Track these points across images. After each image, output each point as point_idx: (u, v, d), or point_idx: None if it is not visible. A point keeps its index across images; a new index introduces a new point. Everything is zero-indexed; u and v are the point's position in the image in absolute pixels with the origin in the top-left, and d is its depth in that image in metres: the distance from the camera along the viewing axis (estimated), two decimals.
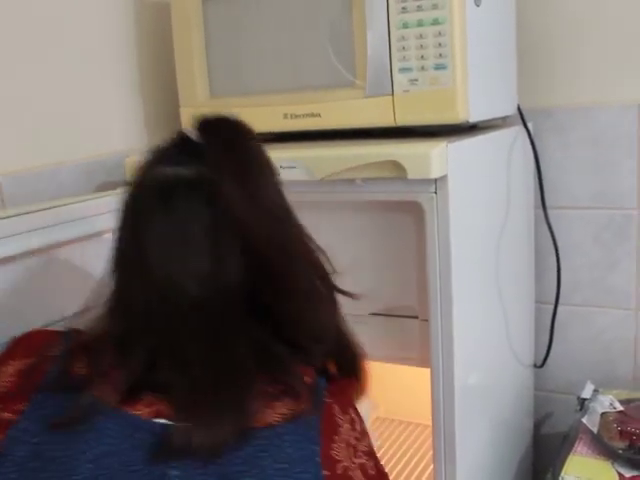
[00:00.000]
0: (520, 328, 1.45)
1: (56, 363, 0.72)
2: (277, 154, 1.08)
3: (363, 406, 1.47)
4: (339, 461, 0.70)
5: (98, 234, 1.18)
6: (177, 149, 0.77)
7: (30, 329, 0.82)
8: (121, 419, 0.67)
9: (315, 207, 1.24)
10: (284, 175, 1.07)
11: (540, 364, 1.49)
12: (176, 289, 0.70)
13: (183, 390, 0.69)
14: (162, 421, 0.68)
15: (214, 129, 0.79)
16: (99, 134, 1.31)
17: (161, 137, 1.37)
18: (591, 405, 1.30)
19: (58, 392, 0.70)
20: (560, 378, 1.54)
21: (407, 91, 1.08)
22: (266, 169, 0.81)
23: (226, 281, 0.71)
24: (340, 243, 1.25)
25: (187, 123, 1.27)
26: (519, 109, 1.32)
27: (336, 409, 0.74)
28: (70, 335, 0.77)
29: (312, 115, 1.16)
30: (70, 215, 1.11)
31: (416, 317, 1.19)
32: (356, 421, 0.75)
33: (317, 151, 1.09)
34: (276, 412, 0.69)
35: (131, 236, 0.74)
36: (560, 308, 1.46)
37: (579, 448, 1.23)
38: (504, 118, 1.32)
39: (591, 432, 1.24)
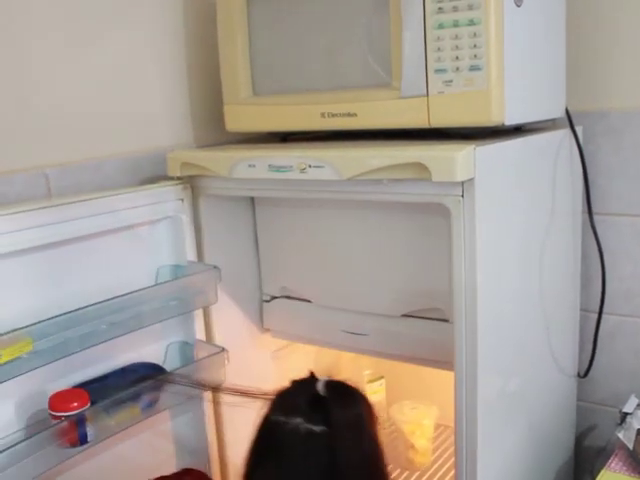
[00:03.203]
0: (563, 336, 1.41)
1: None
2: (306, 153, 1.11)
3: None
4: None
5: (137, 226, 1.23)
6: (309, 404, 0.95)
7: None
8: None
9: (344, 206, 1.25)
10: (313, 174, 1.09)
11: (584, 374, 1.45)
12: None
13: None
14: None
15: (340, 395, 0.97)
16: (145, 129, 1.35)
17: (204, 133, 1.43)
18: (630, 420, 1.25)
19: None
20: (605, 390, 1.49)
21: (442, 92, 1.07)
22: (374, 428, 0.99)
23: None
24: (371, 243, 1.26)
25: (231, 119, 1.32)
26: (567, 112, 1.28)
27: None
28: None
29: (349, 115, 1.17)
30: (111, 207, 1.16)
31: (447, 320, 1.18)
32: None
33: (344, 151, 1.09)
34: None
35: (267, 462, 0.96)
36: (608, 318, 1.42)
37: (613, 464, 1.19)
38: (553, 121, 1.29)
39: (627, 448, 1.20)
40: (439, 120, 1.09)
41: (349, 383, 1.01)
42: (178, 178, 1.27)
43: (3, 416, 1.07)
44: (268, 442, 0.97)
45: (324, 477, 0.93)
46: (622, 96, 1.38)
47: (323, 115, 1.20)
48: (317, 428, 0.93)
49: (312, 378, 1.02)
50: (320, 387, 0.97)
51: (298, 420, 0.93)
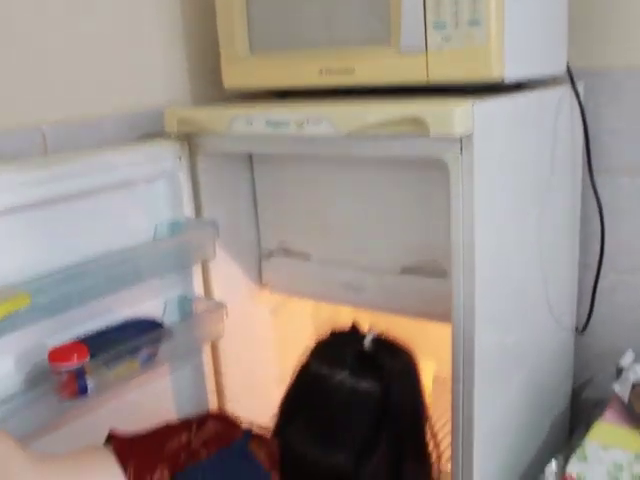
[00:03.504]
0: (561, 291, 1.42)
1: (243, 439, 0.95)
2: (304, 109, 1.10)
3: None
4: None
5: (135, 183, 1.22)
6: (355, 358, 0.95)
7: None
8: None
9: (343, 162, 1.25)
10: (310, 130, 1.08)
11: (582, 329, 1.46)
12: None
13: None
14: None
15: (389, 351, 0.98)
16: (142, 87, 1.34)
17: (202, 91, 1.41)
18: (626, 374, 1.27)
19: (239, 455, 0.93)
20: (603, 344, 1.51)
21: (441, 48, 1.06)
22: (419, 385, 1.00)
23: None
24: (369, 199, 1.26)
25: (228, 76, 1.30)
26: (568, 68, 1.27)
27: None
28: (250, 429, 0.99)
29: (346, 71, 1.16)
30: (108, 164, 1.15)
31: (445, 274, 1.18)
32: None
33: (342, 107, 1.08)
34: None
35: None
36: (607, 273, 1.43)
37: (608, 416, 1.21)
38: (554, 77, 1.27)
39: (622, 401, 1.21)
40: (438, 76, 1.07)
41: (396, 339, 1.01)
42: (176, 135, 1.26)
43: (3, 370, 1.08)
44: (309, 394, 0.98)
45: (370, 429, 0.93)
46: (625, 52, 1.36)
47: (321, 72, 1.18)
48: (364, 384, 0.93)
49: (357, 331, 1.02)
50: (367, 343, 0.97)
51: (344, 374, 0.94)
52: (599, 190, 1.34)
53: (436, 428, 1.50)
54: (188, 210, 1.29)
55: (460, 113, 0.96)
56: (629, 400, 1.21)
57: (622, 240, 1.43)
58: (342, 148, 1.09)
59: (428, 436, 1.03)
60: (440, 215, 1.13)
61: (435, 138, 0.98)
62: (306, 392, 0.99)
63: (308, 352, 1.01)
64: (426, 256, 1.23)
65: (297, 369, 1.01)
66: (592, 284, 1.42)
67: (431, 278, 1.22)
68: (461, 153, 0.99)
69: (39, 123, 1.18)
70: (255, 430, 1.00)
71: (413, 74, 1.09)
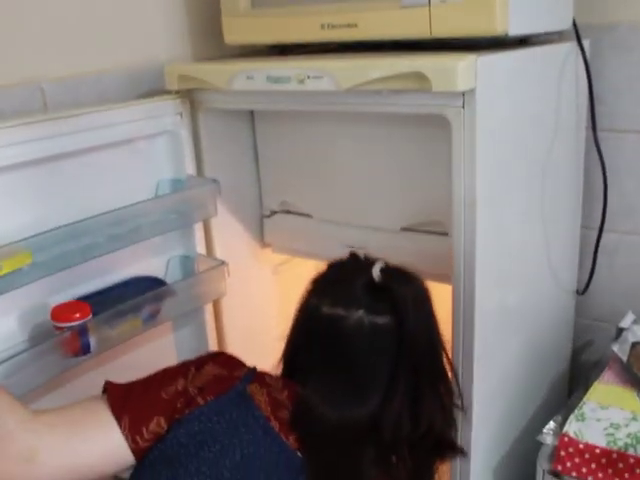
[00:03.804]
0: (563, 252, 1.42)
1: (243, 382, 0.91)
2: (305, 64, 1.09)
3: None
4: None
5: (136, 140, 1.22)
6: (368, 293, 0.90)
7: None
8: (275, 439, 0.86)
9: (344, 120, 1.24)
10: (311, 85, 1.07)
11: (582, 291, 1.46)
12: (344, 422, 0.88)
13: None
14: (300, 455, 0.87)
15: (400, 279, 0.92)
16: (142, 43, 1.32)
17: (202, 46, 1.40)
18: (626, 334, 1.27)
19: (239, 402, 0.89)
20: (603, 306, 1.51)
21: (444, 1, 1.04)
22: (434, 312, 0.95)
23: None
24: (370, 157, 1.25)
25: (229, 32, 1.29)
26: (574, 23, 1.25)
27: None
28: (254, 369, 0.95)
29: (349, 26, 1.14)
30: (109, 121, 1.15)
31: (446, 233, 1.18)
32: None
33: (344, 62, 1.07)
34: None
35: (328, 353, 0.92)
36: (608, 234, 1.42)
37: (606, 376, 1.22)
38: (559, 33, 1.25)
39: (620, 361, 1.22)
40: (441, 30, 1.06)
41: (404, 266, 0.95)
42: (176, 92, 1.25)
43: (7, 327, 1.09)
44: (324, 339, 0.92)
45: (391, 367, 0.89)
46: (633, 8, 1.33)
47: (323, 27, 1.17)
48: (381, 319, 0.88)
49: (360, 262, 0.96)
50: (376, 274, 0.91)
51: (360, 313, 0.88)
52: (602, 149, 1.33)
53: None
54: (190, 168, 1.28)
55: (463, 68, 0.95)
56: (628, 360, 1.21)
57: (624, 201, 1.43)
58: (343, 104, 1.09)
59: (447, 367, 0.97)
60: (443, 174, 1.12)
61: (437, 93, 0.97)
62: (319, 337, 0.92)
63: (311, 291, 0.95)
64: (428, 216, 1.22)
65: (302, 312, 0.95)
66: (594, 245, 1.41)
67: (433, 236, 1.22)
68: (463, 108, 0.99)
69: (39, 80, 1.17)
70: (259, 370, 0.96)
71: (416, 28, 1.07)
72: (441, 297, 1.19)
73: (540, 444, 1.14)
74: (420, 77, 0.97)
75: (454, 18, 1.04)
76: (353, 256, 0.98)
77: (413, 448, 0.91)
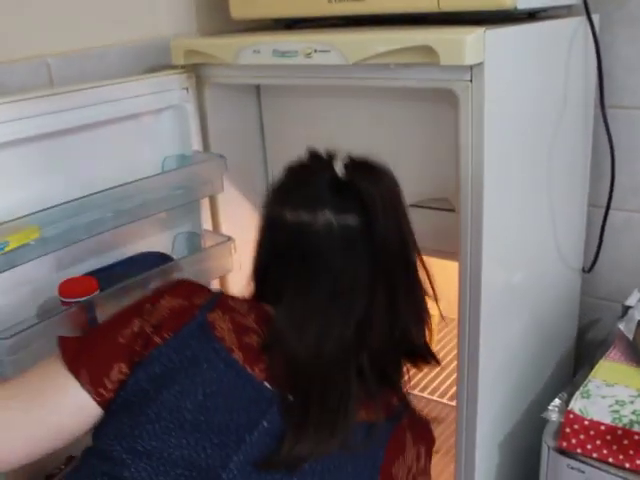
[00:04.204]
0: (570, 230, 1.41)
1: (202, 312, 0.85)
2: (311, 38, 1.08)
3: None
4: (395, 478, 0.83)
5: (142, 115, 1.21)
6: (333, 191, 0.83)
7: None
8: (239, 372, 0.81)
9: (351, 95, 1.23)
10: (318, 59, 1.06)
11: (588, 269, 1.46)
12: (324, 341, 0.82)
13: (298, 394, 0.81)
14: (269, 387, 0.81)
15: (366, 173, 0.86)
16: (148, 18, 1.31)
17: (208, 21, 1.39)
18: (632, 312, 1.27)
19: (199, 335, 0.83)
20: (610, 285, 1.51)
21: None
22: (403, 202, 0.89)
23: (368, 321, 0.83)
24: (377, 133, 1.24)
25: (236, 6, 1.28)
26: None
27: (407, 436, 0.86)
28: (217, 294, 0.90)
29: None
30: (115, 95, 1.14)
31: (453, 210, 1.18)
32: (422, 457, 0.87)
33: (351, 35, 1.06)
34: (360, 416, 0.82)
35: (300, 263, 0.84)
36: (615, 213, 1.42)
37: (612, 354, 1.22)
38: (568, 7, 1.24)
39: (626, 339, 1.22)
40: (449, 3, 1.05)
41: (370, 158, 0.88)
42: (182, 67, 1.25)
43: (15, 302, 1.09)
44: (292, 249, 0.84)
45: (366, 272, 0.82)
46: None
47: (330, 0, 1.16)
48: (351, 219, 0.81)
49: (321, 159, 0.87)
50: (340, 168, 0.84)
51: (327, 214, 0.81)
52: (611, 126, 1.31)
53: (443, 365, 1.53)
54: (196, 143, 1.28)
55: (471, 41, 0.94)
56: (634, 338, 1.21)
57: (633, 179, 1.42)
58: (351, 78, 1.08)
59: (421, 273, 0.91)
60: (450, 150, 1.12)
61: (445, 67, 0.96)
62: (287, 248, 0.84)
63: (271, 200, 0.87)
64: (435, 193, 1.22)
65: (265, 225, 0.88)
66: (600, 224, 1.41)
67: (440, 213, 1.21)
68: (471, 82, 0.98)
69: (44, 55, 1.17)
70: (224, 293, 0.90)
71: (424, 2, 1.06)
72: (448, 274, 1.20)
73: (545, 421, 1.14)
74: (428, 50, 0.96)
75: None
76: (312, 154, 0.88)
77: (385, 354, 0.87)
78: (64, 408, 0.80)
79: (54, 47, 1.18)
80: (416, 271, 0.90)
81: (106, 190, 1.09)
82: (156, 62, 1.30)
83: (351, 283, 0.82)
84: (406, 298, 0.87)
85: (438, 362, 0.97)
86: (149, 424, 0.77)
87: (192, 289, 0.90)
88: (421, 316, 0.91)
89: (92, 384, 0.80)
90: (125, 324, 0.84)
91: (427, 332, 0.93)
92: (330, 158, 0.86)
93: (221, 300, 0.87)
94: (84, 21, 1.22)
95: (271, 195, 0.87)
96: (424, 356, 0.95)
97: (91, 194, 1.07)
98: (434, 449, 0.94)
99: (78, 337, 0.87)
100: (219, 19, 1.36)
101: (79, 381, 0.80)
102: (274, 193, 0.87)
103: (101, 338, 0.85)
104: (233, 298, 0.90)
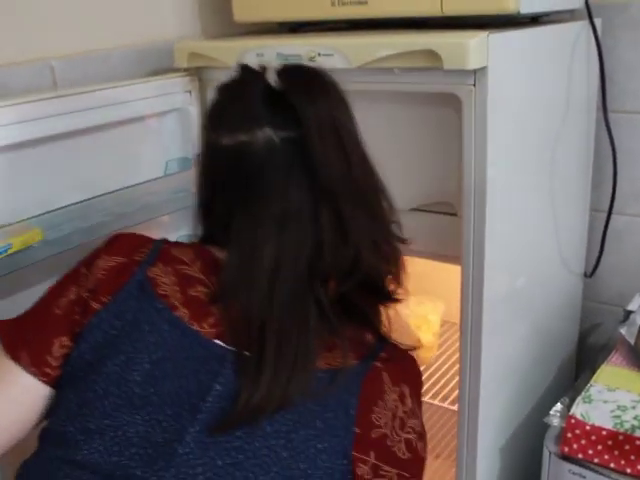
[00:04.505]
0: (572, 235, 1.41)
1: (142, 268, 0.77)
2: (315, 42, 1.08)
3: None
4: (378, 426, 0.74)
5: (145, 118, 1.22)
6: (269, 105, 0.76)
7: (123, 231, 0.88)
8: (184, 331, 0.74)
9: (354, 98, 1.23)
10: (322, 62, 1.07)
11: (590, 273, 1.46)
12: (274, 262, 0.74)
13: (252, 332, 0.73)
14: (220, 343, 0.74)
15: (301, 79, 0.78)
16: (152, 20, 1.32)
17: (212, 24, 1.39)
18: (634, 317, 1.27)
19: (139, 295, 0.76)
20: (611, 289, 1.51)
21: None
22: (350, 118, 0.81)
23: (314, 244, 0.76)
24: (380, 136, 1.24)
25: (239, 10, 1.28)
26: (586, 2, 1.23)
27: (385, 377, 0.77)
28: (159, 244, 0.82)
29: (359, 3, 1.13)
30: (118, 98, 1.14)
31: (455, 214, 1.18)
32: (407, 398, 0.77)
33: (354, 39, 1.07)
34: (325, 361, 0.75)
35: (236, 189, 0.77)
36: (617, 217, 1.42)
37: (614, 358, 1.22)
38: (571, 12, 1.24)
39: (628, 343, 1.21)
40: (452, 7, 1.05)
41: (305, 65, 0.81)
42: (185, 70, 1.25)
43: (18, 305, 1.09)
44: (236, 175, 0.76)
45: (310, 190, 0.75)
46: None
47: (333, 3, 1.16)
48: (294, 133, 0.74)
49: (251, 70, 0.80)
50: (272, 79, 0.77)
51: (267, 131, 0.73)
52: (613, 131, 1.32)
53: (444, 369, 1.53)
54: (199, 146, 1.28)
55: (474, 45, 0.94)
56: (636, 343, 1.21)
57: (634, 183, 1.42)
58: (354, 82, 1.07)
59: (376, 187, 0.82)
60: (454, 154, 1.12)
61: (448, 71, 0.96)
62: (229, 175, 0.77)
63: (206, 127, 0.80)
64: (438, 197, 1.21)
65: (203, 156, 0.81)
66: (602, 228, 1.41)
67: (443, 217, 1.21)
68: (474, 86, 0.98)
69: (48, 57, 1.17)
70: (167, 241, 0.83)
71: (427, 6, 1.06)
72: (450, 278, 1.20)
73: (547, 426, 1.14)
74: (432, 55, 0.96)
75: None
76: (243, 67, 0.81)
77: (344, 286, 0.79)
78: (15, 398, 0.75)
79: (58, 50, 1.18)
80: (368, 196, 0.80)
81: (109, 193, 1.09)
82: (159, 65, 1.30)
83: (299, 205, 0.75)
84: (354, 222, 0.77)
85: (395, 300, 0.85)
86: (97, 401, 0.71)
87: (131, 243, 0.81)
88: (377, 244, 0.80)
89: (35, 365, 0.74)
90: (61, 293, 0.78)
91: (395, 268, 0.84)
92: (263, 69, 0.79)
93: (163, 251, 0.80)
94: (87, 24, 1.22)
95: (207, 120, 0.80)
96: (383, 293, 0.84)
97: (94, 197, 1.08)
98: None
99: (14, 318, 0.80)
100: (222, 22, 1.37)
101: (21, 365, 0.74)
102: (209, 118, 0.80)
103: (37, 314, 0.79)
104: (177, 246, 0.82)
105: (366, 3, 1.12)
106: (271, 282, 0.74)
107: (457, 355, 1.21)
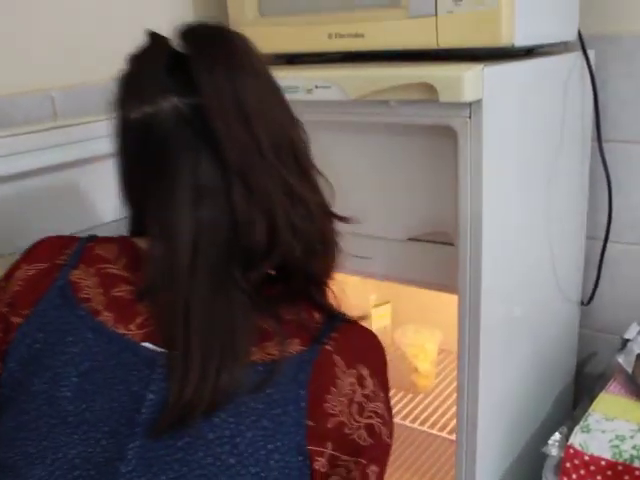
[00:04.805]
0: (568, 263, 1.42)
1: (64, 272, 0.73)
2: (313, 74, 1.10)
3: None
4: (333, 415, 0.68)
5: None
6: (173, 70, 0.70)
7: (50, 234, 0.81)
8: (110, 337, 0.69)
9: (351, 129, 1.24)
10: (319, 95, 1.08)
11: (587, 302, 1.46)
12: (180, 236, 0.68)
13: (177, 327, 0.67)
14: (149, 346, 0.69)
15: (202, 42, 0.71)
16: None
17: None
18: (631, 345, 1.27)
19: (60, 303, 0.71)
20: (608, 317, 1.51)
21: (451, 12, 1.05)
22: (262, 85, 0.74)
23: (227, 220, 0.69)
24: (377, 167, 1.26)
25: None
26: (579, 34, 1.26)
27: (337, 360, 0.70)
28: (83, 243, 0.77)
29: (356, 35, 1.15)
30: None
31: (452, 244, 1.18)
32: (366, 380, 0.71)
33: (351, 71, 1.08)
34: (264, 352, 0.68)
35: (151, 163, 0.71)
36: (613, 246, 1.43)
37: (612, 387, 1.22)
38: (565, 44, 1.26)
39: (626, 372, 1.21)
40: (448, 41, 1.07)
41: (209, 23, 0.73)
42: None
43: None
44: (145, 148, 0.70)
45: (217, 166, 0.68)
46: (636, 19, 1.34)
47: (330, 36, 1.17)
48: (197, 99, 0.68)
49: (157, 37, 0.74)
50: (176, 42, 0.71)
51: (172, 100, 0.67)
52: (608, 160, 1.33)
53: (441, 398, 1.53)
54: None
55: (469, 78, 0.96)
56: (633, 372, 1.21)
57: (629, 212, 1.43)
58: (351, 114, 1.09)
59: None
60: (449, 184, 1.13)
61: (444, 103, 0.97)
62: (141, 153, 0.71)
63: (115, 104, 0.73)
64: (435, 226, 1.22)
65: (116, 137, 0.73)
66: (598, 256, 1.42)
67: (440, 247, 1.22)
68: (470, 118, 0.99)
69: (48, 88, 1.18)
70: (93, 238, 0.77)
71: (423, 39, 1.08)
72: (447, 307, 1.20)
73: (546, 455, 1.13)
74: (427, 87, 0.98)
75: (461, 29, 1.04)
76: (149, 34, 0.75)
77: (261, 265, 0.71)
78: None
79: (58, 80, 1.19)
80: (285, 173, 0.73)
81: (109, 223, 1.09)
82: None
83: (210, 181, 0.69)
84: (268, 201, 0.70)
85: (326, 281, 0.79)
86: (32, 422, 0.67)
87: (53, 247, 0.76)
88: (294, 223, 0.72)
89: None
90: None
91: (324, 247, 0.78)
92: (175, 33, 0.73)
93: (86, 250, 0.74)
94: (87, 56, 1.23)
95: (114, 95, 0.74)
96: (313, 273, 0.77)
97: (93, 227, 1.08)
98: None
99: None
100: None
101: None
102: (117, 93, 0.74)
103: None
104: (103, 242, 0.77)
105: (363, 36, 1.14)
106: (191, 269, 0.67)
107: (455, 384, 1.21)
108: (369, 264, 1.31)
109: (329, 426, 0.67)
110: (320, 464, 0.67)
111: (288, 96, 1.10)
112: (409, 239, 1.26)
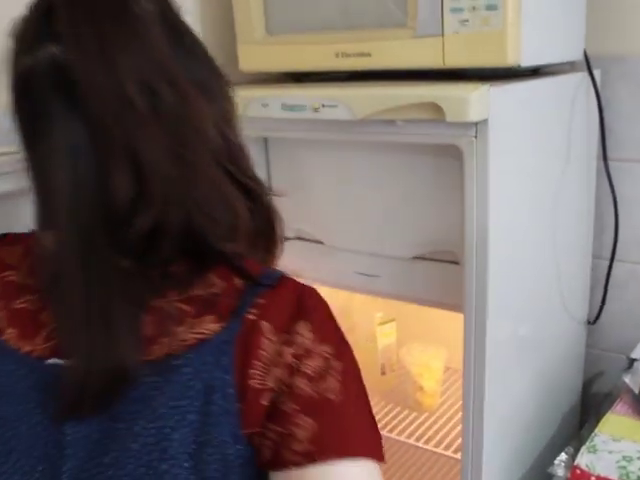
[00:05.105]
0: (574, 282, 1.41)
1: None
2: (320, 92, 1.11)
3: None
4: (263, 390, 0.61)
5: None
6: (48, 16, 0.60)
7: None
8: (16, 360, 0.62)
9: (358, 148, 1.25)
10: (326, 114, 1.09)
11: (593, 321, 1.46)
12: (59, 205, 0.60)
13: (66, 326, 0.61)
14: (56, 362, 0.62)
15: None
16: None
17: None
18: (637, 365, 1.26)
19: None
20: (614, 337, 1.50)
21: (457, 32, 1.05)
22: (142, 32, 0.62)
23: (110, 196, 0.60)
24: (384, 185, 1.26)
25: (245, 59, 1.31)
26: (585, 54, 1.26)
27: (265, 326, 0.62)
28: None
29: (362, 54, 1.15)
30: None
31: (458, 263, 1.18)
32: (300, 336, 0.63)
33: (358, 91, 1.08)
34: (177, 339, 0.61)
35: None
36: (620, 265, 1.42)
37: (618, 407, 1.21)
38: (571, 63, 1.26)
39: (632, 392, 1.21)
40: (454, 60, 1.07)
41: None
42: None
43: None
44: (23, 107, 0.61)
45: (86, 125, 0.59)
46: None
47: (337, 55, 1.18)
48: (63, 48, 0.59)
49: None
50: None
51: (50, 49, 0.58)
52: (614, 179, 1.33)
53: (447, 417, 1.52)
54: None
55: (475, 98, 0.96)
56: None
57: (636, 231, 1.43)
58: (358, 133, 1.10)
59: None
60: (456, 203, 1.13)
61: (450, 123, 0.98)
62: (20, 113, 0.61)
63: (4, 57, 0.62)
64: (440, 245, 1.22)
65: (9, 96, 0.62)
66: (605, 275, 1.41)
67: (445, 266, 1.22)
68: (476, 137, 0.99)
69: None
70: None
71: (429, 58, 1.08)
72: (453, 324, 1.20)
73: (551, 476, 1.13)
74: (434, 107, 0.98)
75: (467, 49, 1.05)
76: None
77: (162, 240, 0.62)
78: None
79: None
80: (167, 139, 0.62)
81: None
82: None
83: (82, 142, 0.59)
84: (148, 168, 0.60)
85: (231, 255, 0.67)
86: None
87: None
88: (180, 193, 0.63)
89: None
90: None
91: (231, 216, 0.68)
92: None
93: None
94: None
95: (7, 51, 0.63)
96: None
97: None
98: None
99: None
100: (227, 71, 1.39)
101: None
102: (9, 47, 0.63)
103: None
104: (9, 244, 0.69)
105: (369, 55, 1.14)
106: (79, 259, 0.59)
107: (460, 402, 1.21)
108: (375, 282, 1.31)
109: (264, 403, 0.61)
110: (261, 442, 0.61)
111: (295, 114, 1.12)
112: (415, 257, 1.26)
